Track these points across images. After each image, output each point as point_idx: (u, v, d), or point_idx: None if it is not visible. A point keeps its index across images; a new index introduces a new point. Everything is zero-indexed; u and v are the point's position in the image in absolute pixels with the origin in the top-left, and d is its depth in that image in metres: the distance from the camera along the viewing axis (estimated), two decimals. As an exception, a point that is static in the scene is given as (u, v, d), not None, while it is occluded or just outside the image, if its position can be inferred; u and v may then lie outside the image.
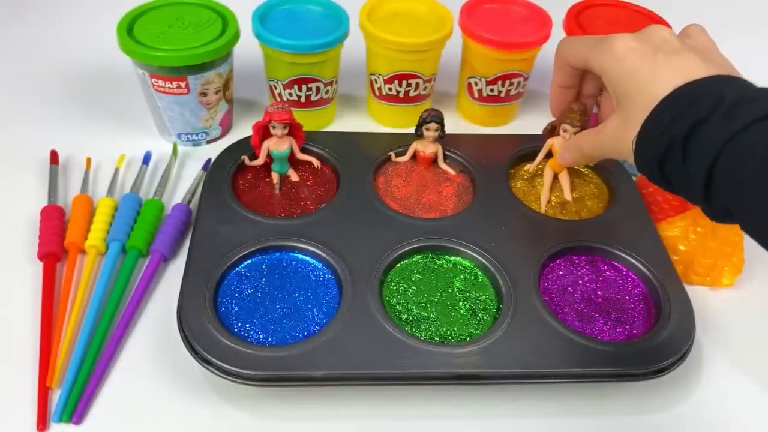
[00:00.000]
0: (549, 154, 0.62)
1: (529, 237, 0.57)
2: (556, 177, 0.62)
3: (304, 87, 0.67)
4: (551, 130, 0.60)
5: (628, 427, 0.49)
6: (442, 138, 0.62)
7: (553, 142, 0.60)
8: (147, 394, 0.48)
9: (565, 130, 0.57)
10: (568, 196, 0.61)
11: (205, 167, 0.64)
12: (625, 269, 0.56)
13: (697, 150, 0.38)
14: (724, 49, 0.45)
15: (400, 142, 0.64)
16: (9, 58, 0.79)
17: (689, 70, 0.41)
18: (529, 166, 0.63)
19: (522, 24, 0.70)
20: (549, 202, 0.61)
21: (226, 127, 0.71)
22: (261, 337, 0.49)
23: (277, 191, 0.60)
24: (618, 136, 0.45)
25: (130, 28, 0.63)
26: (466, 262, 0.55)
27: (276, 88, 0.68)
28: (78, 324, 0.51)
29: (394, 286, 0.53)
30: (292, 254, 0.55)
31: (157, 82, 0.63)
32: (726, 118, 0.37)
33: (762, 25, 0.95)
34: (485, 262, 0.54)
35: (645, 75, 0.42)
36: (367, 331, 0.48)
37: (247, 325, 0.50)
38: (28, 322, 0.52)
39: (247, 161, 0.61)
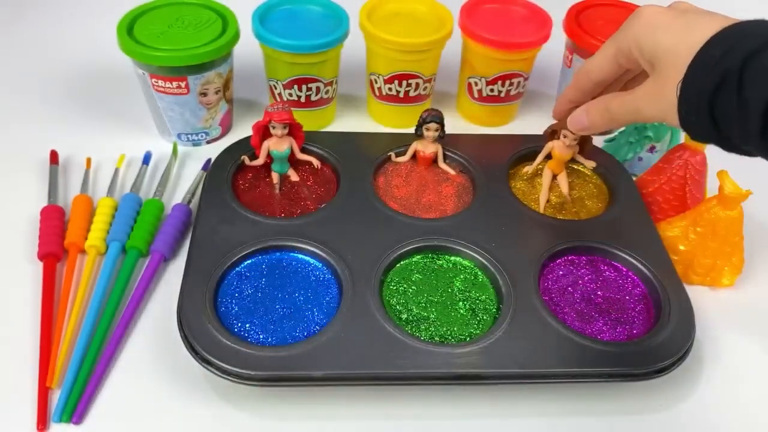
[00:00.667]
0: (548, 157, 0.62)
1: (529, 237, 0.57)
2: (554, 178, 0.62)
3: (304, 87, 0.67)
4: (552, 134, 0.60)
5: (628, 427, 0.49)
6: (442, 138, 0.62)
7: (553, 145, 0.60)
8: (147, 394, 0.48)
9: (565, 136, 0.58)
10: (565, 190, 0.61)
11: (205, 167, 0.64)
12: (625, 269, 0.56)
13: (756, 79, 0.37)
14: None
15: (400, 142, 0.64)
16: (9, 58, 0.79)
17: (727, 19, 0.41)
18: (528, 168, 0.63)
19: (522, 24, 0.70)
20: (548, 201, 0.61)
21: (226, 127, 0.71)
22: (261, 337, 0.49)
23: (277, 191, 0.60)
24: (654, 91, 0.43)
25: (130, 28, 0.63)
26: (466, 262, 0.55)
27: (276, 88, 0.68)
28: (78, 324, 0.51)
29: (394, 286, 0.53)
30: (292, 254, 0.55)
31: (157, 82, 0.63)
32: None
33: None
34: (485, 262, 0.54)
35: (680, 27, 0.42)
36: (367, 331, 0.48)
37: (247, 325, 0.50)
38: (28, 322, 0.52)
39: (247, 161, 0.61)
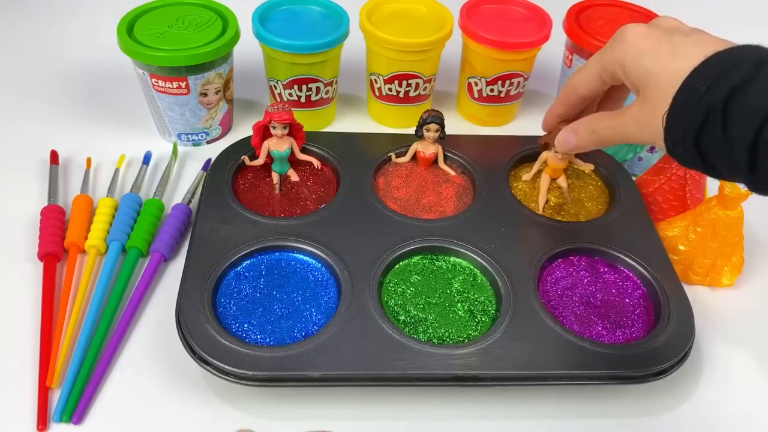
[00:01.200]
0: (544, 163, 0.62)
1: (529, 238, 0.57)
2: (554, 180, 0.62)
3: (304, 87, 0.67)
4: (545, 145, 0.60)
5: (628, 429, 0.49)
6: (443, 139, 0.62)
7: (547, 156, 0.60)
8: (146, 394, 0.49)
9: (557, 151, 0.58)
10: (565, 189, 0.61)
11: (205, 167, 0.64)
12: (624, 271, 0.56)
13: (741, 114, 0.37)
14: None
15: (400, 142, 0.64)
16: (9, 58, 0.79)
17: (710, 44, 0.40)
18: (527, 176, 0.63)
19: (522, 24, 0.70)
20: (548, 202, 0.61)
21: (226, 127, 0.71)
22: (259, 337, 0.49)
23: (276, 191, 0.60)
24: (641, 119, 0.43)
25: (130, 28, 0.63)
26: (465, 263, 0.55)
27: (276, 88, 0.68)
28: (78, 324, 0.51)
29: (392, 287, 0.53)
30: (291, 254, 0.55)
31: (157, 83, 0.63)
32: None
33: (760, 26, 0.95)
34: (484, 264, 0.54)
35: (665, 53, 0.41)
36: (366, 331, 0.48)
37: (246, 325, 0.50)
38: (28, 322, 0.52)
39: (247, 161, 0.61)
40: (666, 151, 0.42)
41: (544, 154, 0.60)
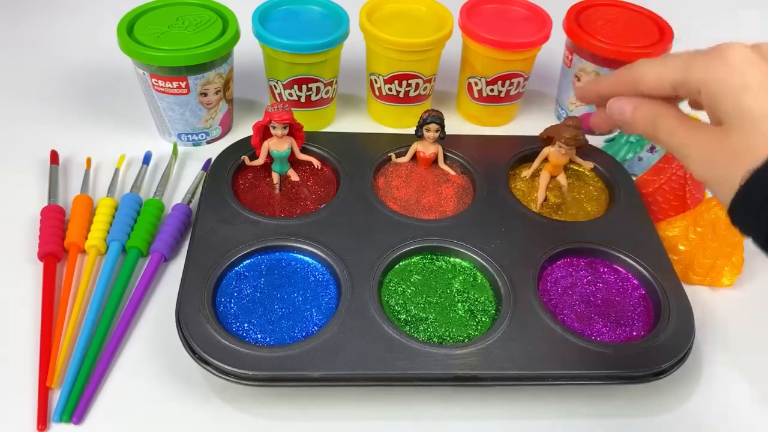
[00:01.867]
0: (545, 160, 0.62)
1: (529, 238, 0.57)
2: (554, 178, 0.62)
3: (304, 87, 0.67)
4: (546, 139, 0.60)
5: (628, 429, 0.49)
6: (443, 139, 0.62)
7: (549, 151, 0.60)
8: (146, 394, 0.49)
9: (560, 147, 0.58)
10: (564, 188, 0.61)
11: (205, 167, 0.64)
12: (624, 271, 0.56)
13: None
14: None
15: (400, 142, 0.64)
16: (9, 58, 0.79)
17: None
18: (526, 173, 0.63)
19: (522, 24, 0.70)
20: (546, 200, 0.61)
21: (226, 127, 0.71)
22: (259, 337, 0.49)
23: (277, 191, 0.60)
24: (712, 154, 0.35)
25: (130, 28, 0.63)
26: (465, 264, 0.55)
27: (276, 88, 0.68)
28: (78, 324, 0.51)
29: (393, 286, 0.53)
30: (291, 254, 0.55)
31: (157, 82, 0.63)
32: None
33: (761, 25, 0.95)
34: (484, 264, 0.54)
35: None
36: (366, 331, 0.48)
37: (246, 325, 0.50)
38: (28, 322, 0.52)
39: (247, 161, 0.61)
40: (725, 209, 0.35)
41: (546, 150, 0.60)
